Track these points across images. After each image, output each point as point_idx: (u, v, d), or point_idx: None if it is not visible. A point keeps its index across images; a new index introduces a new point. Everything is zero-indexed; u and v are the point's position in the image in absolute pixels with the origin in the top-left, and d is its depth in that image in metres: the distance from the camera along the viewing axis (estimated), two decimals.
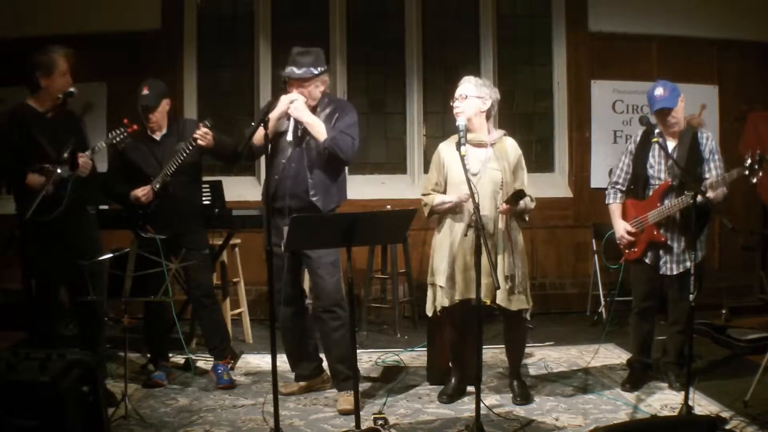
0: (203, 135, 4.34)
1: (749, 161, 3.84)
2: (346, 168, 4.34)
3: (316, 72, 4.10)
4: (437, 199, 4.15)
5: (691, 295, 3.76)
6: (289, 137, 4.05)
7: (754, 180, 3.85)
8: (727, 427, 3.66)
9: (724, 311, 6.01)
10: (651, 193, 4.31)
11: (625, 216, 4.44)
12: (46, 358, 3.03)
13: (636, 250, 4.39)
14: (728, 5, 6.94)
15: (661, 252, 4.32)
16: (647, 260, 4.36)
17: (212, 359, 4.66)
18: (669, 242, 4.28)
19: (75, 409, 2.98)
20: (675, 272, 4.30)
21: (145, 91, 4.44)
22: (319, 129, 4.08)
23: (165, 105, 4.54)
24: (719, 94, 6.99)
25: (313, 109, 4.16)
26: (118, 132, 4.21)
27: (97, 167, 4.28)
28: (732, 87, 6.98)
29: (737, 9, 6.93)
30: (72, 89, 4.07)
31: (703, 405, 4.04)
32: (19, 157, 3.97)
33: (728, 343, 5.24)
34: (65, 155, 3.95)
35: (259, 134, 4.08)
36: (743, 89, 6.95)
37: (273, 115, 4.02)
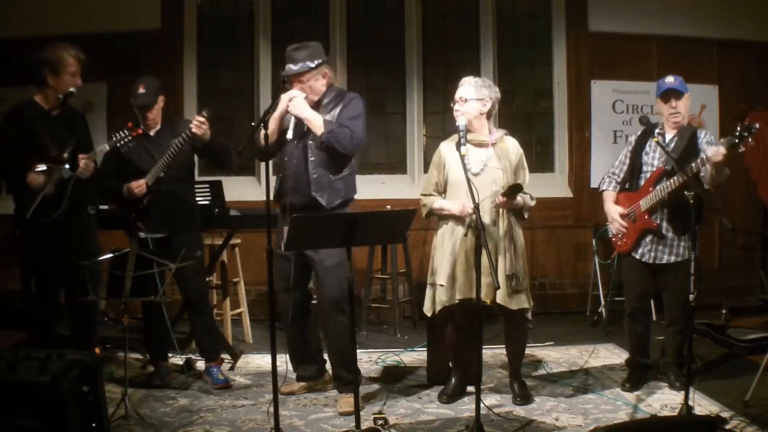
0: (199, 124, 4.25)
1: (739, 129, 3.85)
2: (354, 162, 4.23)
3: (312, 65, 4.05)
4: (437, 203, 4.16)
5: (691, 295, 3.76)
6: (290, 135, 4.02)
7: (743, 149, 3.86)
8: (727, 427, 3.66)
9: (724, 311, 6.01)
10: (644, 183, 4.32)
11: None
12: (46, 358, 3.04)
13: (626, 241, 4.39)
14: (728, 5, 6.94)
15: (652, 240, 4.31)
16: (638, 255, 4.35)
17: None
18: (662, 230, 4.27)
19: (75, 409, 2.98)
20: (665, 261, 4.28)
21: (142, 90, 4.40)
22: (317, 123, 4.03)
23: (160, 102, 4.51)
24: (719, 94, 6.99)
25: (318, 103, 4.13)
26: (122, 135, 4.19)
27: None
28: (732, 87, 6.98)
29: (737, 9, 6.93)
30: (72, 89, 4.07)
31: (703, 405, 4.04)
32: (19, 153, 3.97)
33: (728, 343, 5.23)
34: (65, 155, 3.96)
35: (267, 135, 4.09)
36: (743, 89, 6.95)
37: (275, 115, 4.02)
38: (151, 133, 4.50)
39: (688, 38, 6.92)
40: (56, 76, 4.08)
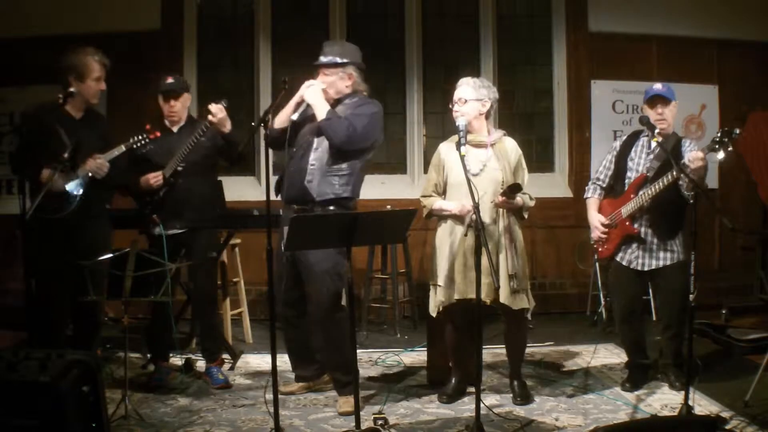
0: (215, 111, 4.27)
1: (717, 135, 3.84)
2: (358, 163, 4.13)
3: (339, 61, 4.11)
4: (437, 204, 4.15)
5: (691, 295, 3.76)
6: (295, 116, 4.03)
7: (722, 155, 3.84)
8: (727, 427, 3.66)
9: (724, 311, 6.01)
10: (627, 188, 4.33)
11: (601, 214, 4.45)
12: (46, 358, 3.03)
13: (608, 247, 4.40)
14: (728, 5, 6.94)
15: (635, 247, 4.31)
16: (623, 261, 4.35)
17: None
18: (642, 235, 4.27)
19: (75, 409, 2.97)
20: (653, 266, 4.29)
21: (170, 80, 4.48)
22: (320, 111, 4.03)
23: (186, 98, 4.54)
24: (719, 94, 6.99)
25: (337, 102, 4.14)
26: (140, 138, 4.22)
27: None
28: (732, 87, 6.98)
29: (737, 9, 6.93)
30: (72, 89, 4.08)
31: (703, 405, 4.05)
32: (40, 154, 3.98)
33: (728, 343, 5.23)
34: (65, 155, 3.96)
35: (279, 121, 4.12)
36: (743, 89, 6.94)
37: (292, 100, 4.07)
38: (174, 129, 4.51)
39: (688, 38, 6.92)
40: (81, 81, 4.12)
